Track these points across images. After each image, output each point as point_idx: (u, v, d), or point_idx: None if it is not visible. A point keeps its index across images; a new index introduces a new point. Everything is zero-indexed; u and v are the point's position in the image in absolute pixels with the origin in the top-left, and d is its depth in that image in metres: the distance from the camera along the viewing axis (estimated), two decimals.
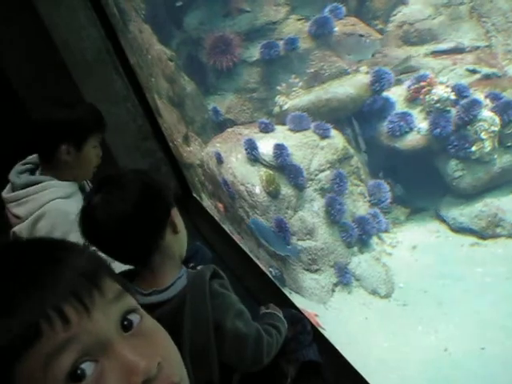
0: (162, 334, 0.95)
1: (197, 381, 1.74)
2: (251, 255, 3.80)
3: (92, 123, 2.64)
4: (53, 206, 2.47)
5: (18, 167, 2.67)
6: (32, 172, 2.66)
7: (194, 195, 4.61)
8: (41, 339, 0.76)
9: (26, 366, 0.75)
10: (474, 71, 4.91)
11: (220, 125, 4.86)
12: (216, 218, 4.25)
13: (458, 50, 5.16)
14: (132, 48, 4.37)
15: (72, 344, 0.79)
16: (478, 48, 5.23)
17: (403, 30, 5.19)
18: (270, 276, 3.79)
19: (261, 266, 3.70)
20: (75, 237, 2.50)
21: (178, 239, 1.82)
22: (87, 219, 1.71)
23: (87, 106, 2.72)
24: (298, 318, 2.60)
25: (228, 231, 4.08)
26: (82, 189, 2.67)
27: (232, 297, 1.86)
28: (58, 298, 0.79)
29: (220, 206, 4.54)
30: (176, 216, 1.80)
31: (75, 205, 2.57)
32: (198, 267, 1.92)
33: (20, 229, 2.47)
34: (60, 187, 2.56)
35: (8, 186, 2.65)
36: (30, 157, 2.74)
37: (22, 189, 2.54)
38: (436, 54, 5.12)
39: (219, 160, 4.31)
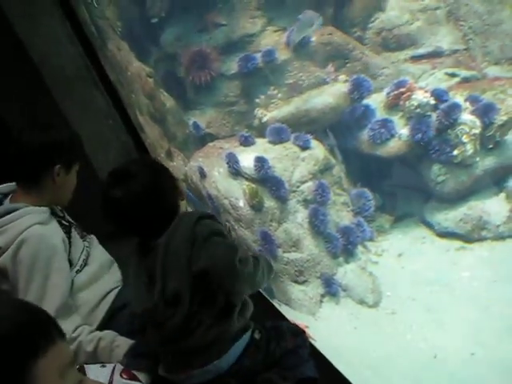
0: None
1: (166, 289, 1.82)
2: None
3: (80, 146, 2.65)
4: (32, 232, 2.45)
5: None
6: (0, 202, 2.63)
7: None
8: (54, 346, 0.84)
9: (45, 364, 0.83)
10: (453, 74, 4.92)
11: (201, 139, 4.84)
12: None
13: (436, 54, 5.18)
14: (111, 65, 4.35)
15: None
16: (456, 51, 5.24)
17: (382, 36, 5.20)
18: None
19: None
20: (59, 260, 2.49)
21: (182, 205, 2.07)
22: (109, 204, 1.92)
23: (71, 130, 2.73)
24: (297, 331, 2.58)
25: None
26: (52, 213, 2.64)
27: (221, 227, 2.00)
28: None
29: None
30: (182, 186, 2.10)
31: (54, 229, 2.55)
32: None
33: (3, 261, 2.44)
34: (36, 213, 2.53)
35: None
36: None
37: None
38: (415, 58, 5.14)
39: (202, 174, 4.29)
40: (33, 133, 2.54)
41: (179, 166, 4.77)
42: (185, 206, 2.13)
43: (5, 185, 2.69)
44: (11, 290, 2.47)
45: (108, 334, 2.55)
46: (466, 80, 4.91)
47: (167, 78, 4.92)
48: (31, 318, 0.85)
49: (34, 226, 2.45)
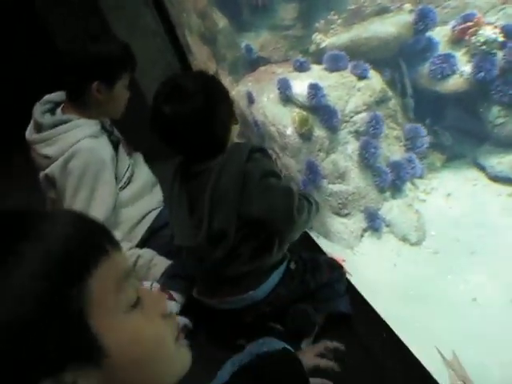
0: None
1: (211, 228, 1.83)
2: None
3: (126, 61, 2.59)
4: (84, 145, 2.48)
5: (41, 107, 2.63)
6: (52, 111, 2.63)
7: None
8: (108, 257, 0.83)
9: (99, 276, 0.80)
10: None
11: (252, 63, 4.71)
12: None
13: None
14: None
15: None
16: None
17: None
18: None
19: None
20: (107, 174, 2.52)
21: (235, 129, 2.05)
22: (159, 119, 1.88)
23: (120, 43, 2.66)
24: (335, 265, 2.58)
25: None
26: (102, 127, 2.64)
27: (273, 164, 1.98)
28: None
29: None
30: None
31: (104, 144, 2.56)
32: None
33: (52, 170, 2.48)
34: (87, 126, 2.55)
35: (30, 127, 2.63)
36: (49, 95, 2.71)
37: (50, 129, 2.52)
38: None
39: (250, 99, 4.20)
40: (74, 45, 2.51)
41: (227, 87, 4.69)
42: (237, 131, 2.08)
43: (56, 93, 2.69)
44: (57, 198, 2.52)
45: (147, 252, 2.60)
46: None
47: None
48: (81, 230, 0.83)
49: (86, 139, 2.48)
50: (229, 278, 2.09)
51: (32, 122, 2.60)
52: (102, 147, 2.54)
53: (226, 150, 1.95)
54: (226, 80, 4.71)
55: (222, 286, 2.16)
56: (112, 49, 2.52)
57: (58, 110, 2.59)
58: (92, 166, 2.43)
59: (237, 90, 4.47)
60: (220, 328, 2.46)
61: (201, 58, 4.65)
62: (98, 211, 2.43)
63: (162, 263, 2.57)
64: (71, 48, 2.47)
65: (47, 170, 2.48)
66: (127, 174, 2.75)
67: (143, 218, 2.80)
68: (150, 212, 2.84)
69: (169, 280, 2.48)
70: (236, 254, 1.98)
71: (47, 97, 2.67)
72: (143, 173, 2.96)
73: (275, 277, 2.21)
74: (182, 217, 1.96)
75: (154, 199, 2.88)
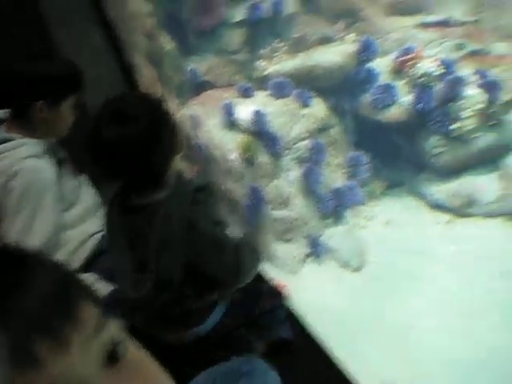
0: (152, 367, 0.80)
1: (157, 276, 1.75)
2: None
3: (71, 81, 2.52)
4: (26, 165, 2.40)
5: None
6: None
7: None
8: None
9: None
10: (462, 46, 4.83)
11: (198, 86, 4.71)
12: None
13: (447, 23, 5.07)
14: (110, 0, 4.18)
15: None
16: (467, 22, 5.15)
17: None
18: None
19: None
20: (50, 195, 2.45)
21: (177, 159, 1.90)
22: (99, 143, 1.73)
23: (67, 62, 2.58)
24: (276, 293, 2.56)
25: None
26: (47, 147, 2.57)
27: (218, 209, 1.90)
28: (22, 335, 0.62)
29: (193, 169, 4.44)
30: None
31: (48, 164, 2.49)
32: None
33: None
34: (32, 145, 2.47)
35: None
36: None
37: None
38: (424, 25, 5.03)
39: (195, 123, 4.19)
40: (17, 64, 2.43)
41: (173, 111, 4.66)
42: (179, 161, 2.00)
43: (0, 110, 2.61)
44: None
45: (88, 276, 2.52)
46: (474, 53, 4.82)
47: (170, 19, 4.72)
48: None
49: (29, 159, 2.40)
50: (174, 316, 2.05)
51: None
52: (46, 168, 2.47)
53: (168, 183, 1.88)
54: (172, 103, 4.68)
55: (166, 321, 2.11)
56: (57, 68, 2.46)
57: (1, 128, 2.52)
58: (34, 187, 2.36)
59: (182, 113, 4.45)
60: (165, 357, 2.40)
61: (148, 78, 4.60)
62: (39, 233, 2.35)
63: (104, 289, 2.50)
64: (14, 67, 2.41)
65: None
66: (71, 196, 2.68)
67: (86, 240, 2.72)
68: (93, 234, 2.77)
69: (109, 307, 2.41)
70: (180, 296, 1.94)
71: None
72: (88, 195, 2.88)
73: (220, 310, 2.19)
74: (122, 259, 1.90)
75: (96, 222, 2.80)
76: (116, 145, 1.69)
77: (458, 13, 5.16)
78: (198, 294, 1.95)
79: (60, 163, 2.61)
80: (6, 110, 2.58)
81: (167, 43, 4.71)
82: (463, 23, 5.14)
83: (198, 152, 4.17)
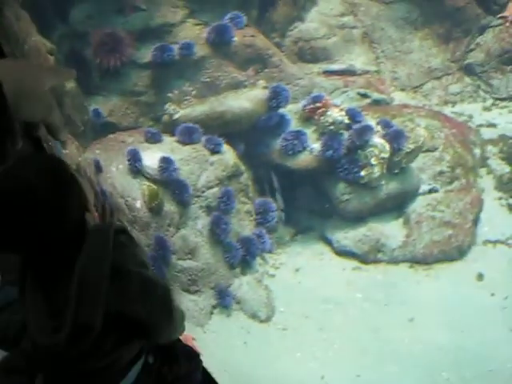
0: None
1: (78, 320, 1.53)
2: None
3: None
4: None
5: None
6: None
7: None
8: None
9: None
10: (365, 95, 5.00)
11: (101, 128, 4.49)
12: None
13: (349, 72, 5.25)
14: (6, 35, 3.92)
15: None
16: (367, 72, 5.37)
17: (298, 46, 5.21)
18: None
19: None
20: None
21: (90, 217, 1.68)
22: None
23: None
24: (192, 355, 2.39)
25: None
26: None
27: (141, 250, 1.71)
28: None
29: (95, 215, 4.20)
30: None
31: None
32: None
33: None
34: None
35: None
36: None
37: None
38: (328, 73, 5.16)
39: (98, 168, 3.96)
40: None
41: (72, 154, 4.38)
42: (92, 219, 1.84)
43: None
44: None
45: None
46: (376, 102, 5.01)
47: (71, 57, 4.49)
48: None
49: None
50: (82, 375, 1.83)
51: None
52: None
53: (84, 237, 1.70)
54: (72, 145, 4.43)
55: (74, 381, 1.89)
56: None
57: None
58: None
59: (84, 157, 4.21)
60: None
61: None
62: None
63: None
64: None
65: None
66: None
67: None
68: None
69: (4, 376, 2.15)
70: (95, 348, 1.73)
71: None
72: None
73: (133, 374, 1.99)
74: (37, 310, 1.69)
75: None
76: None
77: (358, 63, 5.36)
78: (113, 346, 1.76)
79: None
80: None
81: (68, 82, 4.48)
82: (364, 72, 5.32)
83: (101, 199, 3.96)
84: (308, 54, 5.20)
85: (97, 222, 1.82)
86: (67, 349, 1.65)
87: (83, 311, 1.58)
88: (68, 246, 1.65)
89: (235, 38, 4.45)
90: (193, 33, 4.51)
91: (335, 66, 5.24)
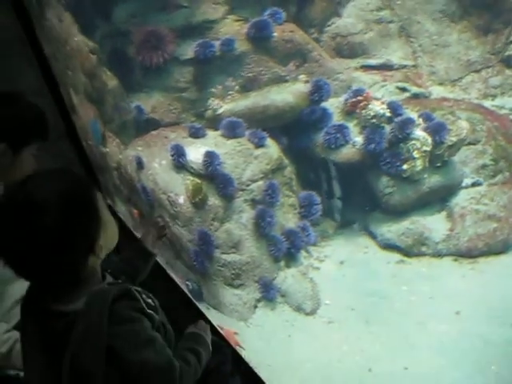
0: None
1: None
2: (165, 267, 3.55)
3: (36, 126, 2.33)
4: None
5: None
6: None
7: (108, 201, 4.27)
8: None
9: None
10: (404, 89, 4.97)
11: (143, 125, 4.55)
12: (129, 225, 3.95)
13: (386, 67, 5.24)
14: (48, 37, 3.99)
15: None
16: (405, 67, 5.34)
17: (336, 41, 5.22)
18: (186, 290, 3.59)
19: (176, 278, 3.48)
20: None
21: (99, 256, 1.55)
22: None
23: (34, 108, 2.39)
24: (218, 347, 2.38)
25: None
26: None
27: (143, 322, 1.55)
28: None
29: (135, 212, 4.24)
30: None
31: None
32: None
33: None
34: None
35: None
36: None
37: None
38: (366, 68, 5.16)
39: (139, 165, 4.01)
40: None
41: (113, 152, 4.45)
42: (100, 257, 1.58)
43: None
44: None
45: None
46: (415, 96, 4.98)
47: (113, 56, 4.57)
48: None
49: None
50: None
51: None
52: None
53: (86, 287, 1.58)
54: (113, 142, 4.49)
55: None
56: (21, 111, 2.28)
57: None
58: None
59: (125, 154, 4.26)
60: None
61: (86, 118, 4.40)
62: None
63: None
64: None
65: None
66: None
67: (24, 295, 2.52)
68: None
69: None
70: None
71: None
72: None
73: None
74: (37, 375, 1.64)
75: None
76: (17, 242, 1.39)
77: (395, 57, 5.34)
78: None
79: None
80: None
81: (110, 80, 4.54)
82: (401, 67, 5.30)
83: (141, 195, 4.00)
84: (345, 49, 5.21)
85: (96, 288, 1.56)
86: None
87: None
88: (65, 286, 1.54)
89: (275, 34, 4.47)
90: (233, 29, 4.53)
91: (373, 61, 5.24)
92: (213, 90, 4.37)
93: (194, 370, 1.79)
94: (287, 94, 4.32)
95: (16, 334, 2.28)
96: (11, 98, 2.28)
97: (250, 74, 4.42)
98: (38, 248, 1.38)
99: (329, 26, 5.21)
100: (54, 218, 1.37)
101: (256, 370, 2.77)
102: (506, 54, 5.40)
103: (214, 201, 3.82)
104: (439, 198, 4.35)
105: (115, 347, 1.47)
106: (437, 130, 4.20)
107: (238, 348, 3.16)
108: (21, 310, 1.69)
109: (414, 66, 5.41)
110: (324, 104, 4.38)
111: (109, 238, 1.58)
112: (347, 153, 4.27)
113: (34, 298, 1.61)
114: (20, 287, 2.46)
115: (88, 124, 4.36)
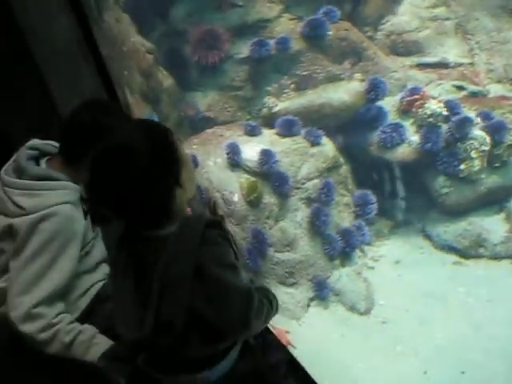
0: None
1: (158, 319, 1.57)
2: None
3: None
4: (62, 210, 2.29)
5: (26, 151, 2.43)
6: (36, 159, 2.44)
7: None
8: None
9: None
10: (460, 87, 4.87)
11: (198, 123, 4.61)
12: None
13: (442, 65, 5.15)
14: (105, 38, 4.09)
15: None
16: (461, 65, 5.22)
17: (391, 39, 5.15)
18: None
19: None
20: (74, 246, 2.33)
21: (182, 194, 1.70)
22: (98, 183, 1.60)
23: (131, 123, 2.50)
24: (279, 345, 2.41)
25: None
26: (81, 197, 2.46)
27: (229, 249, 1.69)
28: None
29: (188, 210, 4.30)
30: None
31: (81, 215, 2.38)
32: None
33: (20, 222, 2.25)
34: (73, 191, 2.37)
35: (9, 167, 2.42)
36: (36, 141, 2.52)
37: (35, 179, 2.33)
38: (421, 66, 5.08)
39: (194, 163, 4.04)
40: (84, 115, 2.34)
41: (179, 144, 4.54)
42: (186, 195, 1.73)
43: (44, 142, 2.51)
44: (8, 251, 2.30)
45: (88, 328, 2.39)
46: (473, 95, 4.87)
47: (170, 55, 4.65)
48: None
49: (67, 205, 2.32)
50: (179, 362, 1.88)
51: (13, 162, 2.37)
52: (79, 218, 2.36)
53: (175, 217, 1.73)
54: None
55: (172, 364, 1.94)
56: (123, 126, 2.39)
57: (43, 162, 2.41)
58: (62, 235, 2.24)
59: None
60: None
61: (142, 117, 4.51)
62: (52, 281, 2.22)
63: (104, 343, 2.34)
64: (82, 117, 2.32)
65: (15, 221, 2.25)
66: (87, 247, 2.59)
67: (88, 289, 2.60)
68: (95, 283, 2.65)
69: (111, 362, 2.25)
70: (184, 342, 1.77)
71: (34, 142, 2.46)
72: (100, 247, 2.78)
73: (233, 354, 2.02)
74: (126, 300, 1.74)
75: (101, 271, 2.70)
76: (115, 184, 1.56)
77: (451, 55, 5.24)
78: (202, 342, 1.78)
79: (85, 214, 2.50)
80: (49, 143, 2.50)
81: (165, 79, 4.63)
82: (457, 65, 5.20)
83: (196, 195, 4.05)
84: (400, 47, 5.12)
85: (189, 215, 1.79)
86: (154, 343, 1.68)
87: (165, 310, 1.60)
88: (156, 219, 1.67)
89: (330, 32, 4.45)
90: (288, 27, 4.52)
91: (428, 59, 5.14)
92: (268, 88, 4.40)
93: (266, 312, 1.85)
94: (343, 92, 4.31)
95: (78, 326, 2.35)
96: (111, 112, 2.38)
97: (304, 73, 4.42)
98: (136, 186, 1.55)
99: (383, 23, 5.13)
100: (146, 158, 1.54)
101: (307, 370, 2.78)
102: None
103: (269, 199, 3.83)
104: (497, 199, 4.24)
105: (202, 264, 1.59)
106: (496, 129, 4.10)
107: (289, 347, 3.17)
108: (116, 247, 1.81)
109: (470, 63, 5.28)
110: (379, 103, 4.35)
111: (189, 173, 1.71)
112: (403, 152, 4.21)
113: (130, 234, 1.74)
114: (85, 281, 2.56)
115: None
